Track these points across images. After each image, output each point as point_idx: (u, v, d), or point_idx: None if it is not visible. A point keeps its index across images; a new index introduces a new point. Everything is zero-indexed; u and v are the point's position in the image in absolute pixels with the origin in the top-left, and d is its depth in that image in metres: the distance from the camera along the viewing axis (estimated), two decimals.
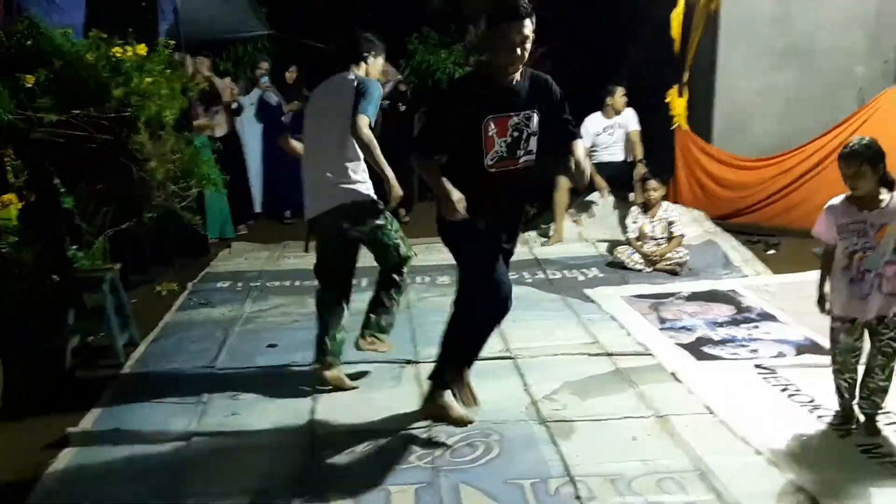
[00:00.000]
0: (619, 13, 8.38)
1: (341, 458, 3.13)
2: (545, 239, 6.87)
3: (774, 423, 3.31)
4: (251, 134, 7.99)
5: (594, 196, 7.18)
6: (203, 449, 3.25)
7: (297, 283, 5.74)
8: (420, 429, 3.34)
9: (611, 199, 7.15)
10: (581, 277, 5.78)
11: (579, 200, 7.23)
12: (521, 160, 3.12)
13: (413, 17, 9.04)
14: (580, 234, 7.00)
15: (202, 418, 3.52)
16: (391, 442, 3.25)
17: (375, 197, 3.73)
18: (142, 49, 3.93)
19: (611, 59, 8.21)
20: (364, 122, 3.53)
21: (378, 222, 3.72)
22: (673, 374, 3.87)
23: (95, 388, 3.86)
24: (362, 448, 3.20)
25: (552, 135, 3.19)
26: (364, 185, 3.71)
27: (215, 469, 3.10)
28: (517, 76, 3.05)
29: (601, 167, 6.92)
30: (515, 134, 3.07)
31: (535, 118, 3.09)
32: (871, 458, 3.01)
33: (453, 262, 3.31)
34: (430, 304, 5.09)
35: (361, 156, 3.67)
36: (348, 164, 3.68)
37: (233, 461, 3.15)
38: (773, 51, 7.08)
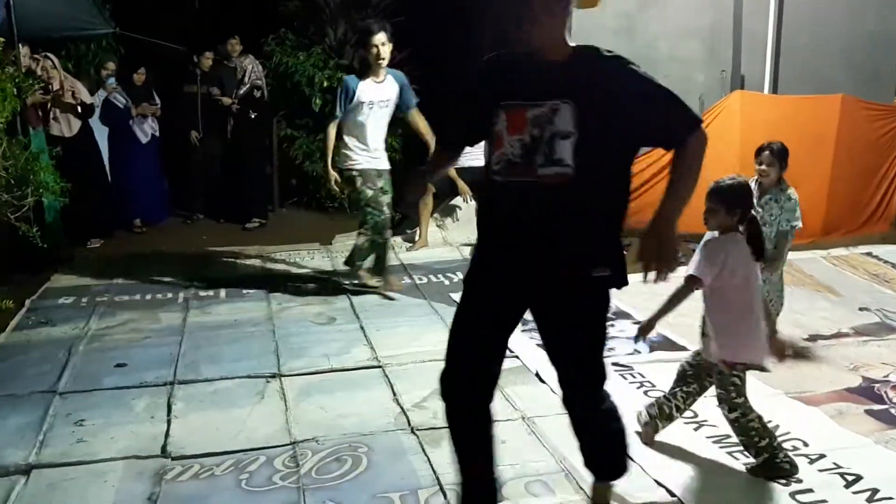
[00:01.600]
0: (484, 20, 8.50)
1: (198, 485, 2.96)
2: (410, 244, 6.86)
3: (632, 420, 3.42)
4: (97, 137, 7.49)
5: (457, 200, 7.24)
6: (44, 482, 2.98)
7: (148, 296, 5.42)
8: (284, 447, 3.21)
9: (473, 203, 7.23)
10: (447, 282, 5.79)
11: (443, 205, 7.27)
12: (541, 171, 2.21)
13: (270, 19, 8.80)
14: (444, 238, 7.04)
15: (43, 448, 3.23)
16: (253, 463, 3.10)
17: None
18: None
19: (460, 64, 8.32)
20: None
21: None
22: (536, 374, 3.93)
23: None
24: (221, 472, 3.03)
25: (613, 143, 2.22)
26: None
27: None
28: (561, 52, 2.25)
29: (462, 171, 6.98)
30: (535, 132, 2.22)
31: (569, 113, 2.19)
32: (722, 448, 3.17)
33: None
34: (292, 315, 4.94)
35: None
36: None
37: (78, 496, 2.90)
38: None
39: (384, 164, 5.17)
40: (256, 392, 3.77)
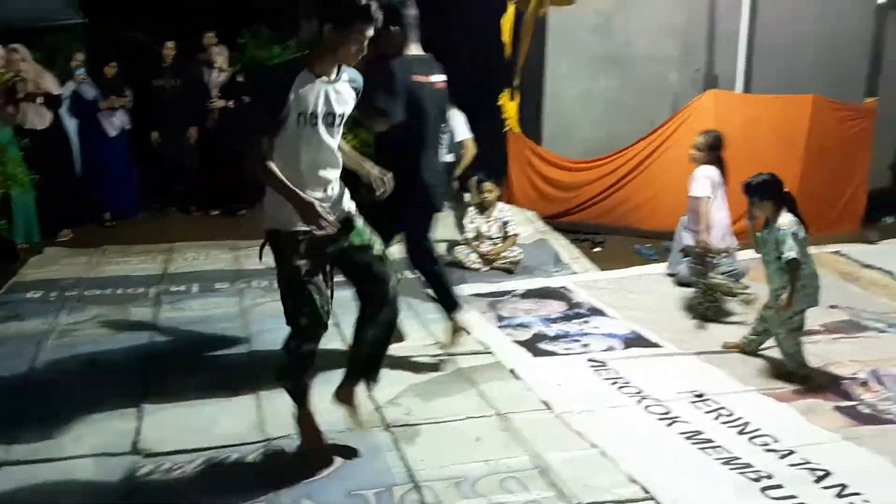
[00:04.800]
0: (449, 15, 8.49)
1: (170, 483, 2.92)
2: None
3: (607, 416, 3.45)
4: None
5: None
6: (11, 480, 2.92)
7: (118, 291, 5.35)
8: (257, 444, 3.18)
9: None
10: (422, 277, 5.76)
11: None
12: None
13: (244, 12, 8.72)
14: None
15: (11, 445, 3.16)
16: (226, 460, 3.07)
17: None
18: None
19: (439, 60, 8.31)
20: None
21: None
22: (512, 371, 3.94)
23: None
24: (193, 469, 3.00)
25: None
26: None
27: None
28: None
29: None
30: None
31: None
32: (694, 444, 3.20)
33: None
34: (266, 310, 4.90)
35: None
36: None
37: (47, 494, 2.85)
38: (595, 58, 7.46)
39: None
40: (229, 388, 3.73)
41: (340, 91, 2.85)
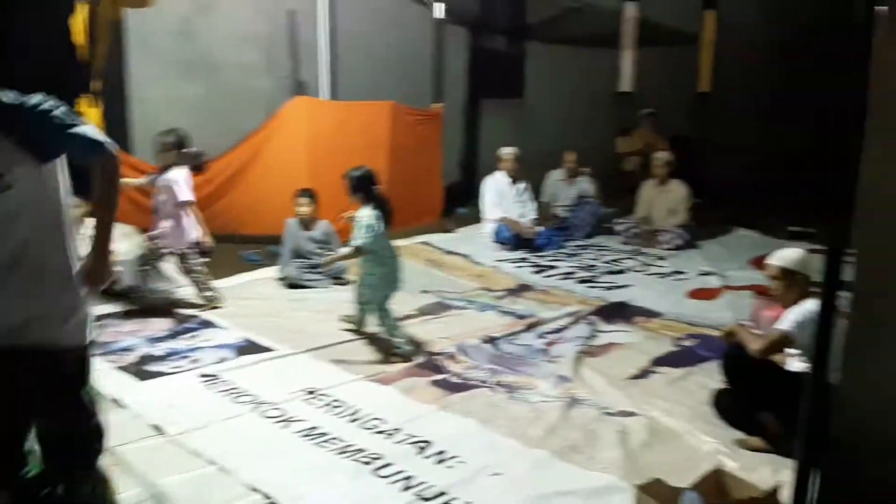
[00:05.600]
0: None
1: None
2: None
3: (223, 429, 3.40)
4: None
5: None
6: None
7: None
8: None
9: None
10: None
11: None
12: None
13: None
14: None
15: None
16: None
17: None
18: None
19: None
20: None
21: None
22: (115, 401, 3.66)
23: None
24: None
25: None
26: None
27: None
28: None
29: None
30: None
31: None
32: (310, 441, 3.31)
33: None
34: None
35: None
36: None
37: None
38: (180, 63, 7.24)
39: None
40: None
41: None
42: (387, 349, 4.37)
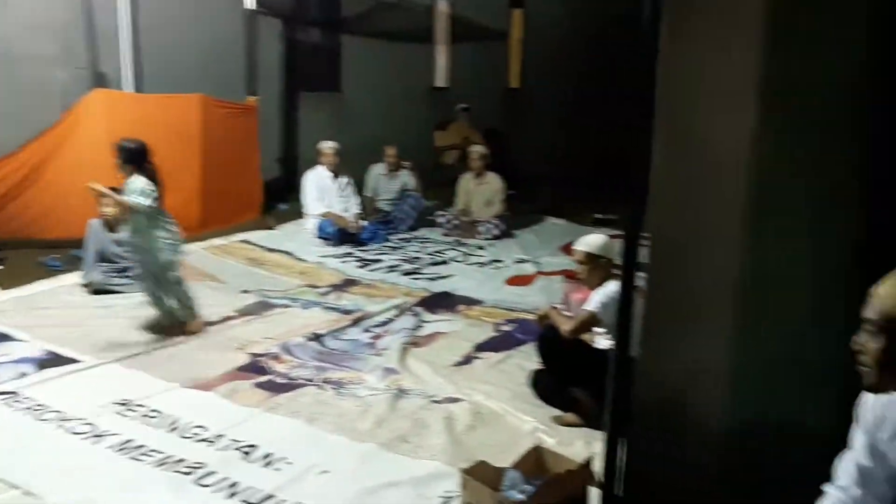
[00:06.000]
0: None
1: None
2: None
3: (27, 451, 3.14)
4: None
5: None
6: None
7: None
8: None
9: None
10: None
11: None
12: None
13: None
14: None
15: None
16: None
17: None
18: None
19: None
20: None
21: None
22: None
23: None
24: None
25: None
26: None
27: None
28: None
29: None
30: None
31: None
32: (125, 455, 3.13)
33: None
34: None
35: None
36: None
37: None
38: None
39: None
40: None
41: None
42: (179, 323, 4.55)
